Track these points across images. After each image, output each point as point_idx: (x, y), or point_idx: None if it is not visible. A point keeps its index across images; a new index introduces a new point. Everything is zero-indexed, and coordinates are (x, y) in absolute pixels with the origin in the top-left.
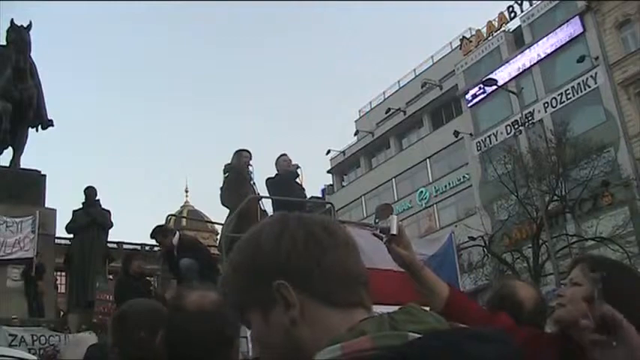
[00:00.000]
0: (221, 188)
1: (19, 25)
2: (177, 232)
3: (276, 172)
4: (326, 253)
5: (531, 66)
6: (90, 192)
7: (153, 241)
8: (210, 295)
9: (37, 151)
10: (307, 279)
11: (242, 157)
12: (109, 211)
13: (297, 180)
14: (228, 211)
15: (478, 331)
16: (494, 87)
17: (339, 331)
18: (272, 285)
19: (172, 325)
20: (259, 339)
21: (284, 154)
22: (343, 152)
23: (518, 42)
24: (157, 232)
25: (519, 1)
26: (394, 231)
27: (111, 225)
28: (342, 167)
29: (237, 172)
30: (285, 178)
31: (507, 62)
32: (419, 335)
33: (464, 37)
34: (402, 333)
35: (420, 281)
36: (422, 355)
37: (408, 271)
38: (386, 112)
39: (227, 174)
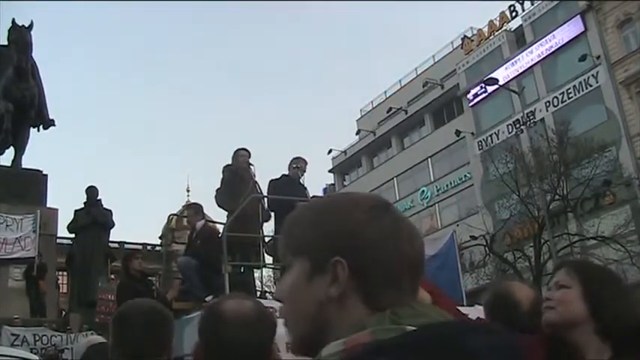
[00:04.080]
0: (217, 190)
1: (20, 24)
2: (204, 220)
3: (287, 173)
4: (397, 258)
5: (533, 65)
6: (91, 192)
7: (154, 241)
8: (247, 302)
9: (39, 150)
10: (364, 272)
11: (239, 157)
12: (110, 211)
13: (300, 181)
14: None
15: (475, 324)
16: (496, 86)
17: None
18: (332, 257)
19: (210, 332)
20: (293, 289)
21: (298, 158)
22: (345, 152)
23: (520, 41)
24: (191, 207)
25: (521, 1)
26: None
27: (112, 225)
28: (344, 167)
29: (232, 172)
30: (291, 181)
31: (509, 61)
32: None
33: (465, 36)
34: (400, 327)
35: None
36: (415, 345)
37: None
38: (387, 112)
39: (223, 175)
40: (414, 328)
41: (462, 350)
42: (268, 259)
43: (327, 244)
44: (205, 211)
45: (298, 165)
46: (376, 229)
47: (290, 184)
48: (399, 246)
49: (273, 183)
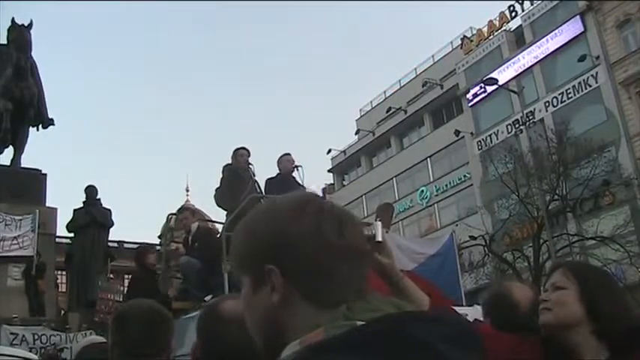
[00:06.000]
0: (216, 189)
1: (19, 24)
2: (198, 222)
3: (278, 171)
4: (324, 252)
5: (532, 65)
6: (90, 191)
7: (153, 240)
8: None
9: (38, 150)
10: (298, 273)
11: (239, 156)
12: (109, 210)
13: (298, 180)
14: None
15: (423, 314)
16: (495, 86)
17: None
18: (264, 266)
19: (209, 332)
20: (246, 303)
21: (287, 154)
22: (344, 151)
23: (519, 41)
24: (186, 209)
25: (520, 1)
26: (379, 238)
27: (111, 224)
28: (343, 166)
29: (231, 171)
30: (286, 179)
31: (508, 61)
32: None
33: (465, 36)
34: (350, 322)
35: (398, 291)
36: (362, 340)
37: (388, 279)
38: (387, 112)
39: (222, 174)
40: (363, 322)
41: (410, 341)
42: None
43: (258, 256)
44: (205, 210)
45: (295, 165)
46: (296, 228)
47: (286, 183)
48: (325, 239)
49: (269, 181)
